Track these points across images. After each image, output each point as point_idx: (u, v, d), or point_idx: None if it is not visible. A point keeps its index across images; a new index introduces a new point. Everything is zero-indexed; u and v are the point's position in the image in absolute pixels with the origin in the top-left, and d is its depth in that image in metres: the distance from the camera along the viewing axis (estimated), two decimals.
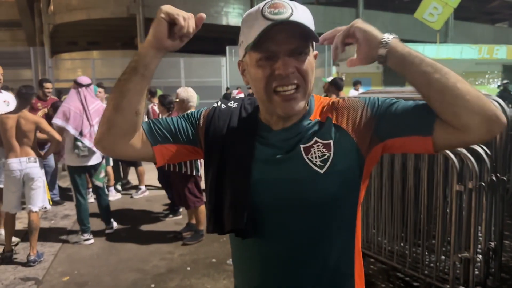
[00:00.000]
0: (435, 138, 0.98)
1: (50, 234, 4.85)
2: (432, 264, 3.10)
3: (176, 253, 4.26)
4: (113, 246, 4.50)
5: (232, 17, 21.80)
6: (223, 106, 1.22)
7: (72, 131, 4.46)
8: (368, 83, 14.28)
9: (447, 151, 2.84)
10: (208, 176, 1.16)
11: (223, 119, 1.17)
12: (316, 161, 1.05)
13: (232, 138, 1.13)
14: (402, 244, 3.34)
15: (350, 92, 8.33)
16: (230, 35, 22.60)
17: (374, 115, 1.05)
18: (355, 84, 9.47)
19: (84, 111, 4.55)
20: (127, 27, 21.71)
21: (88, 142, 4.47)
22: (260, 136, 1.12)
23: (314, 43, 1.07)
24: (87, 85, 4.69)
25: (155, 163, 1.21)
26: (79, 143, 4.49)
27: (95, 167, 4.71)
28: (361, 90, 8.83)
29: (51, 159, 6.05)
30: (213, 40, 22.42)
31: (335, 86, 6.47)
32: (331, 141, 1.06)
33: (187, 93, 4.47)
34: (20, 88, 4.22)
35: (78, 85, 4.65)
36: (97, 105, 4.70)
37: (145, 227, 5.08)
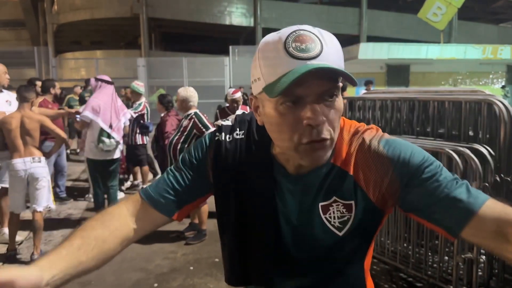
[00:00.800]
0: (460, 236, 0.90)
1: (54, 233, 4.87)
2: (435, 265, 3.10)
3: (179, 253, 4.27)
4: None
5: (236, 16, 21.84)
6: (228, 139, 1.06)
7: (102, 124, 4.66)
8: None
9: (450, 151, 2.84)
10: (225, 224, 1.07)
11: (231, 158, 1.04)
12: (334, 222, 0.97)
13: (247, 183, 1.02)
14: (405, 245, 3.34)
15: (361, 92, 8.32)
16: (233, 35, 22.74)
17: (398, 181, 0.92)
18: (367, 84, 9.46)
19: (113, 106, 4.80)
20: (130, 26, 21.82)
21: (116, 135, 4.73)
22: (276, 180, 1.01)
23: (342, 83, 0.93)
24: (112, 83, 4.97)
25: None
26: (104, 138, 4.66)
27: (114, 161, 4.91)
28: (371, 89, 8.80)
29: (63, 159, 6.11)
30: (216, 39, 22.51)
31: None
32: (352, 202, 0.96)
33: (188, 92, 4.49)
34: (19, 87, 4.23)
35: (106, 82, 4.89)
36: (120, 101, 5.06)
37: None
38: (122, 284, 3.66)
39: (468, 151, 2.80)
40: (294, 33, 0.84)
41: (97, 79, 4.94)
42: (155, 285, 3.61)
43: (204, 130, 4.27)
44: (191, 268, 3.92)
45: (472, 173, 2.77)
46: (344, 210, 0.96)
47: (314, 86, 0.84)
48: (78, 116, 4.93)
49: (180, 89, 4.60)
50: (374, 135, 0.98)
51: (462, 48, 16.40)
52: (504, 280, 3.08)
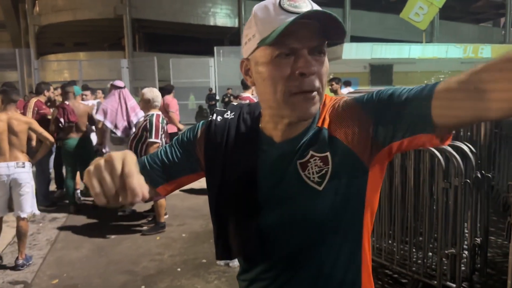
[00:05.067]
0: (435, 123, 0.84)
1: (38, 237, 4.81)
2: (419, 261, 3.15)
3: (166, 254, 4.26)
4: (102, 248, 4.48)
5: (220, 17, 21.81)
6: (219, 119, 1.11)
7: (108, 124, 5.51)
8: (355, 83, 14.39)
9: (432, 149, 2.89)
10: (211, 198, 1.09)
11: (220, 134, 1.08)
12: (313, 178, 0.96)
13: (233, 155, 1.05)
14: (390, 242, 3.39)
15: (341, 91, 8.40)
16: (218, 35, 22.70)
17: (369, 119, 0.93)
18: (346, 84, 9.54)
19: (121, 108, 5.56)
20: (114, 27, 21.60)
21: (120, 133, 5.50)
22: (261, 150, 1.03)
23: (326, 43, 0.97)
24: (124, 87, 5.81)
25: None
26: (113, 134, 5.59)
27: None
28: (350, 89, 8.89)
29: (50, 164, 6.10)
30: (201, 40, 22.43)
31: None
32: (327, 154, 0.96)
33: (153, 93, 4.70)
34: (3, 90, 4.17)
35: (116, 87, 5.68)
36: (133, 103, 5.71)
37: (134, 228, 5.07)
38: (109, 287, 3.64)
39: (450, 149, 2.86)
40: None
41: (111, 85, 5.83)
42: (143, 287, 3.60)
43: (147, 134, 4.47)
44: (178, 269, 3.91)
45: (454, 170, 2.83)
46: (321, 163, 0.96)
47: (306, 40, 0.90)
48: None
49: (145, 89, 4.80)
50: (346, 98, 1.04)
51: (444, 47, 16.65)
52: (486, 274, 3.15)
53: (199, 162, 1.11)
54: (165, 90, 7.12)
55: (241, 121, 1.09)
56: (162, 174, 1.11)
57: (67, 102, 5.60)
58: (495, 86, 0.72)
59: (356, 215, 1.00)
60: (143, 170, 1.05)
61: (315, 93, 0.92)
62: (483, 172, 3.04)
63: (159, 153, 1.14)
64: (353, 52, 15.75)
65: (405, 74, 16.78)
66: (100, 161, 0.77)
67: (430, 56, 16.16)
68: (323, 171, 0.96)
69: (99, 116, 5.61)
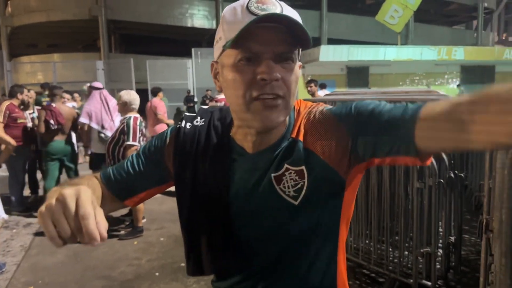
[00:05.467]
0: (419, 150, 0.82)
1: (12, 243, 4.69)
2: (396, 260, 3.20)
3: (143, 259, 4.21)
4: (78, 253, 4.40)
5: (197, 19, 21.70)
6: (188, 125, 1.06)
7: (95, 126, 5.50)
8: (332, 85, 14.56)
9: None
10: (182, 211, 1.04)
11: (190, 142, 1.03)
12: (289, 192, 0.93)
13: (203, 165, 1.00)
14: (367, 242, 3.43)
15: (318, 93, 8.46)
16: (196, 37, 22.59)
17: (348, 133, 0.90)
18: (321, 86, 9.63)
19: (104, 109, 5.58)
20: (89, 29, 21.24)
21: (109, 133, 5.39)
22: (233, 160, 0.99)
23: (300, 51, 0.94)
24: (103, 88, 5.82)
25: None
26: (102, 135, 5.50)
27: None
28: (326, 91, 8.98)
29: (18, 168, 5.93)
30: (178, 42, 22.27)
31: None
32: (303, 167, 0.93)
33: (130, 96, 4.67)
34: None
35: (96, 88, 5.67)
36: (114, 102, 5.61)
37: (111, 233, 4.99)
38: None
39: None
40: None
41: (89, 87, 5.77)
42: None
43: (125, 137, 4.43)
44: (157, 274, 3.87)
45: (428, 171, 2.89)
46: (296, 177, 0.93)
47: (271, 45, 0.86)
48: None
49: (122, 92, 4.78)
50: (322, 106, 1.00)
51: (418, 49, 16.97)
52: (460, 272, 3.23)
53: (168, 171, 1.06)
54: (152, 93, 7.21)
55: (211, 128, 1.04)
56: (128, 187, 1.06)
57: (53, 104, 5.53)
58: (477, 119, 0.70)
59: (332, 227, 0.99)
60: (108, 183, 1.04)
61: (278, 100, 0.88)
62: (456, 172, 3.11)
63: (125, 164, 1.07)
64: (330, 54, 15.90)
65: (381, 76, 17.04)
66: (52, 200, 0.72)
67: (405, 58, 16.45)
68: (299, 185, 0.93)
69: (83, 120, 5.54)
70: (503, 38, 35.19)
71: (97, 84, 5.90)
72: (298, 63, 0.94)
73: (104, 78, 15.63)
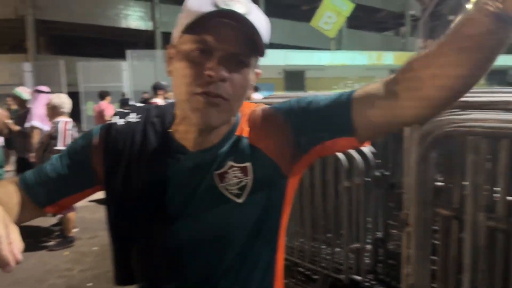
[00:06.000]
0: (358, 134, 0.88)
1: None
2: (328, 257, 3.31)
3: (75, 269, 4.04)
4: None
5: (133, 20, 21.16)
6: (120, 122, 0.97)
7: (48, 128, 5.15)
8: (271, 88, 14.79)
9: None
10: (110, 214, 0.96)
11: (122, 140, 0.95)
12: (232, 189, 0.90)
13: (138, 165, 0.92)
14: (301, 240, 3.52)
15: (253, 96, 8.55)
16: (132, 38, 21.99)
17: (289, 127, 0.91)
18: (255, 89, 9.74)
19: None
20: (15, 29, 19.96)
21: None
22: (172, 158, 0.92)
23: (258, 58, 0.93)
24: (49, 92, 5.68)
25: None
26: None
27: None
28: (259, 94, 9.10)
29: None
30: (114, 43, 21.57)
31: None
32: (247, 164, 0.91)
33: (60, 99, 4.60)
34: None
35: (42, 92, 5.59)
36: None
37: (40, 245, 4.73)
38: None
39: (351, 150, 3.05)
40: None
41: (36, 91, 5.65)
42: None
43: (55, 141, 4.31)
44: (89, 284, 3.73)
45: (356, 170, 3.02)
46: (240, 174, 0.90)
47: (226, 43, 0.83)
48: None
49: (52, 95, 4.74)
50: (263, 105, 1.02)
51: (350, 54, 17.74)
52: (389, 265, 3.40)
53: (95, 174, 0.96)
54: (100, 96, 7.07)
55: (148, 125, 0.96)
56: (49, 192, 0.95)
57: None
58: (407, 85, 0.81)
59: (274, 225, 0.97)
60: (26, 188, 0.94)
61: (220, 100, 0.84)
62: (382, 170, 3.28)
63: (46, 166, 0.97)
64: (268, 58, 16.07)
65: (316, 80, 17.58)
66: None
67: (338, 63, 17.13)
68: (243, 183, 0.90)
69: (36, 123, 5.27)
70: (428, 44, 37.56)
71: (44, 88, 5.81)
72: (257, 70, 0.94)
73: (32, 81, 14.79)
